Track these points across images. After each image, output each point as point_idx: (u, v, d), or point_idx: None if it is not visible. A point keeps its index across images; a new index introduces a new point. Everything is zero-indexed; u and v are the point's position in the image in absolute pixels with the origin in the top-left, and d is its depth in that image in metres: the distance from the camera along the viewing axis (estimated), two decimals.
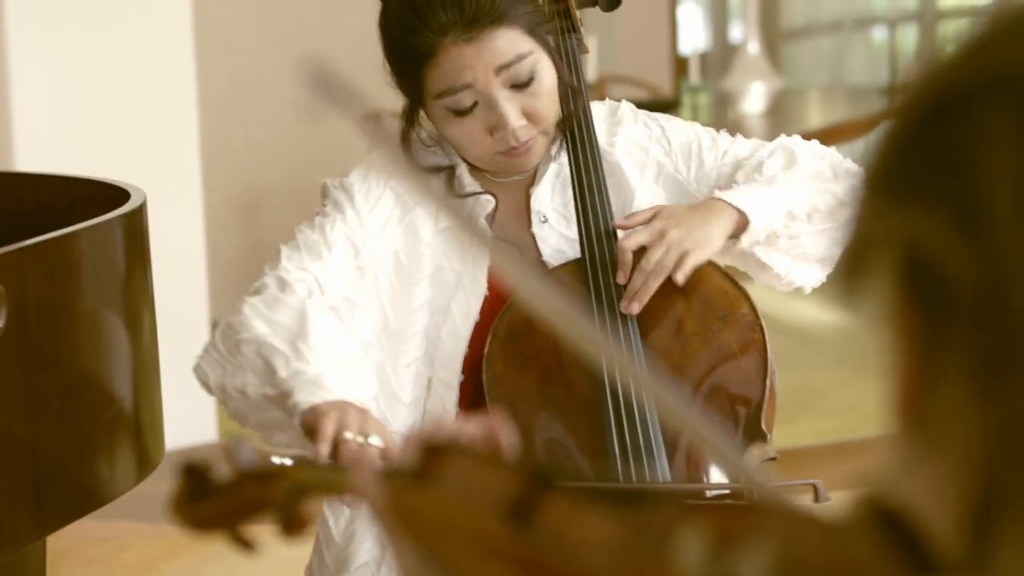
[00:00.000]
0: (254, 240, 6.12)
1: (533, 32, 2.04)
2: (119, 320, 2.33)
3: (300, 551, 4.03)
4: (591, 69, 5.72)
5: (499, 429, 0.97)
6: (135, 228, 2.41)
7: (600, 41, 6.10)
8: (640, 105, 2.31)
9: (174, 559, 3.94)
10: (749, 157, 2.18)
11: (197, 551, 3.94)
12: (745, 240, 2.08)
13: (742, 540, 0.78)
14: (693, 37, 8.57)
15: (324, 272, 2.02)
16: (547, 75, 2.06)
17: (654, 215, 2.07)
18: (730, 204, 2.07)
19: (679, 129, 2.23)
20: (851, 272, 0.71)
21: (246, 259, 5.94)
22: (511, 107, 2.03)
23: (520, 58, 2.02)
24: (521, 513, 0.86)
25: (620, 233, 2.10)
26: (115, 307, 2.33)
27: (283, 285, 1.97)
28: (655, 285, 2.03)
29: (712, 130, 2.26)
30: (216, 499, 1.19)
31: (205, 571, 3.86)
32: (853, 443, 4.63)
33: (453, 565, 0.88)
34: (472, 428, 1.03)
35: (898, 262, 0.67)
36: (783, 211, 2.09)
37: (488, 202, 2.14)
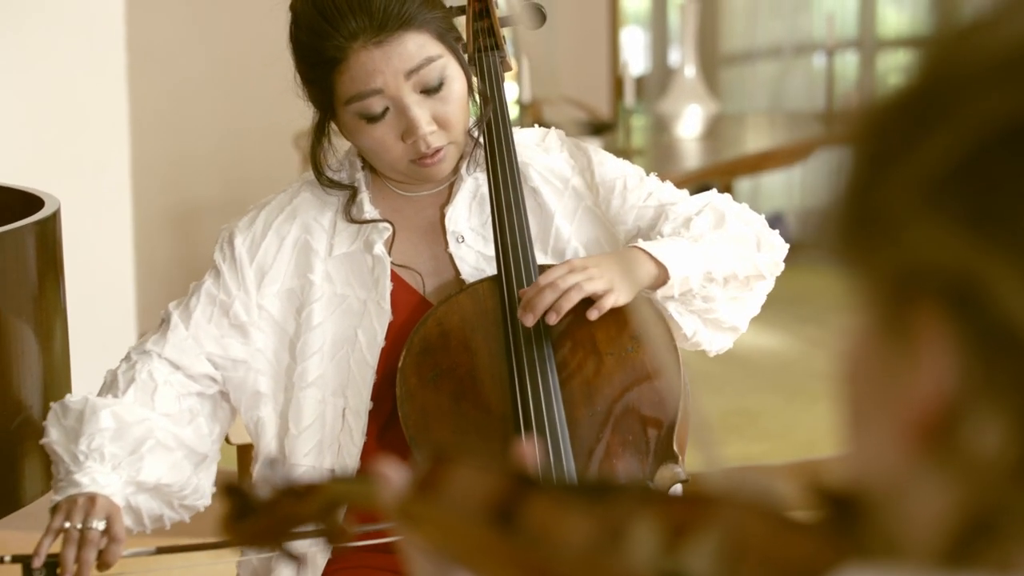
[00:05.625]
0: (186, 253, 6.07)
1: (442, 38, 2.04)
2: (29, 329, 2.30)
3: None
4: (527, 90, 5.71)
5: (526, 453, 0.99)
6: (48, 236, 2.38)
7: (538, 62, 6.08)
8: (576, 127, 2.29)
9: None
10: (674, 203, 2.17)
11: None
12: (659, 292, 2.07)
13: (693, 531, 0.78)
14: (634, 60, 8.61)
15: (179, 347, 2.11)
16: (457, 81, 2.06)
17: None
18: (650, 255, 2.05)
19: (608, 164, 2.21)
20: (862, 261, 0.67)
21: (177, 271, 5.90)
22: (422, 112, 2.03)
23: (429, 61, 2.02)
24: (506, 515, 0.88)
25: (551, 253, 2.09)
26: (25, 316, 2.30)
27: (112, 381, 2.10)
28: (549, 300, 1.99)
29: (642, 171, 2.24)
30: (258, 517, 1.25)
31: None
32: (781, 468, 4.64)
33: (465, 569, 0.92)
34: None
35: (940, 286, 0.63)
36: (702, 271, 2.07)
37: (385, 229, 2.13)
